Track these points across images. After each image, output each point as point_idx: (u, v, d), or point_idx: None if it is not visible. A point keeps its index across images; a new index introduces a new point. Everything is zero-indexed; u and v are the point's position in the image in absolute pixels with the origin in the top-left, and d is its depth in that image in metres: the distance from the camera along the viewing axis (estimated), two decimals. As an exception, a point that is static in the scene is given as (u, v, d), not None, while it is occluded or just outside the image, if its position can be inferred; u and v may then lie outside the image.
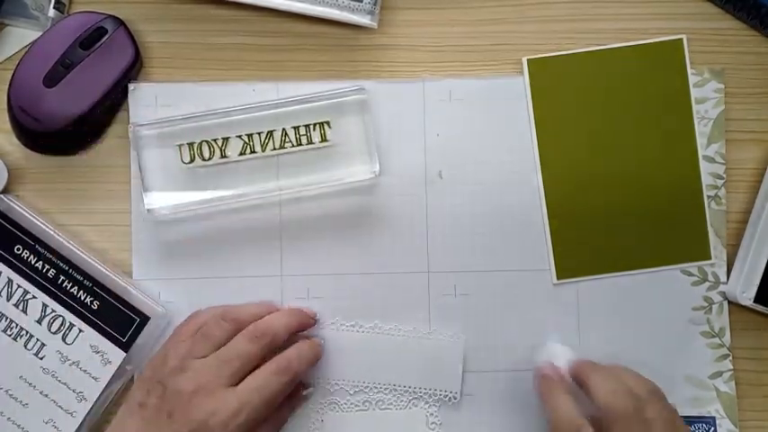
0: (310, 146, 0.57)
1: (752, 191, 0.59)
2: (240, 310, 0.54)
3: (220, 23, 0.59)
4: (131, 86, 0.58)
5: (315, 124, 0.57)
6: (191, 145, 0.56)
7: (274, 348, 0.53)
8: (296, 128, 0.57)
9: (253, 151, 0.56)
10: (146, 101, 0.58)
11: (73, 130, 0.56)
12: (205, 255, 0.57)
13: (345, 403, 0.57)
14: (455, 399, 0.57)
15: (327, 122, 0.57)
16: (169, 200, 0.56)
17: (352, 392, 0.57)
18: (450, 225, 0.58)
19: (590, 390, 0.51)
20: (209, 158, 0.56)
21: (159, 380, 0.50)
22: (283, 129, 0.57)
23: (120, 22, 0.57)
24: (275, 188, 0.57)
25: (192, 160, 0.56)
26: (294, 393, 0.56)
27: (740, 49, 0.59)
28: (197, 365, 0.50)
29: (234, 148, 0.56)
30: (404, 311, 0.58)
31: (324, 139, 0.57)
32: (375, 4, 0.57)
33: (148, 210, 0.56)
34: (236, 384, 0.50)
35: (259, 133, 0.56)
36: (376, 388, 0.57)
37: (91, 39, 0.56)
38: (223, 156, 0.56)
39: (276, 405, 0.52)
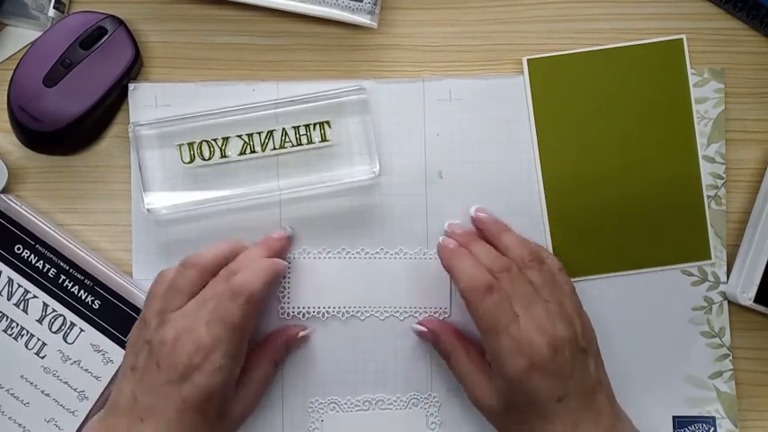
0: (310, 146, 0.57)
1: (752, 191, 0.59)
2: (199, 255, 0.53)
3: (220, 23, 0.59)
4: (131, 86, 0.58)
5: (315, 124, 0.57)
6: (191, 145, 0.56)
7: None
8: (296, 128, 0.57)
9: (253, 151, 0.57)
10: (146, 101, 0.58)
11: (73, 130, 0.56)
12: (205, 255, 0.58)
13: (345, 403, 0.57)
14: (446, 314, 0.57)
15: (327, 122, 0.57)
16: (169, 200, 0.56)
17: (343, 319, 0.57)
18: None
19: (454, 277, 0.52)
20: (209, 158, 0.56)
21: (145, 340, 0.50)
22: (283, 129, 0.57)
23: (120, 22, 0.57)
24: (275, 188, 0.57)
25: (191, 160, 0.56)
26: (288, 333, 0.56)
27: (740, 49, 0.59)
28: (175, 316, 0.50)
29: (234, 148, 0.56)
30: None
31: (324, 139, 0.57)
32: (375, 4, 0.57)
33: (148, 209, 0.56)
34: None
35: (259, 133, 0.57)
36: (367, 312, 0.57)
37: (91, 39, 0.56)
38: (223, 156, 0.56)
39: (249, 330, 0.51)
